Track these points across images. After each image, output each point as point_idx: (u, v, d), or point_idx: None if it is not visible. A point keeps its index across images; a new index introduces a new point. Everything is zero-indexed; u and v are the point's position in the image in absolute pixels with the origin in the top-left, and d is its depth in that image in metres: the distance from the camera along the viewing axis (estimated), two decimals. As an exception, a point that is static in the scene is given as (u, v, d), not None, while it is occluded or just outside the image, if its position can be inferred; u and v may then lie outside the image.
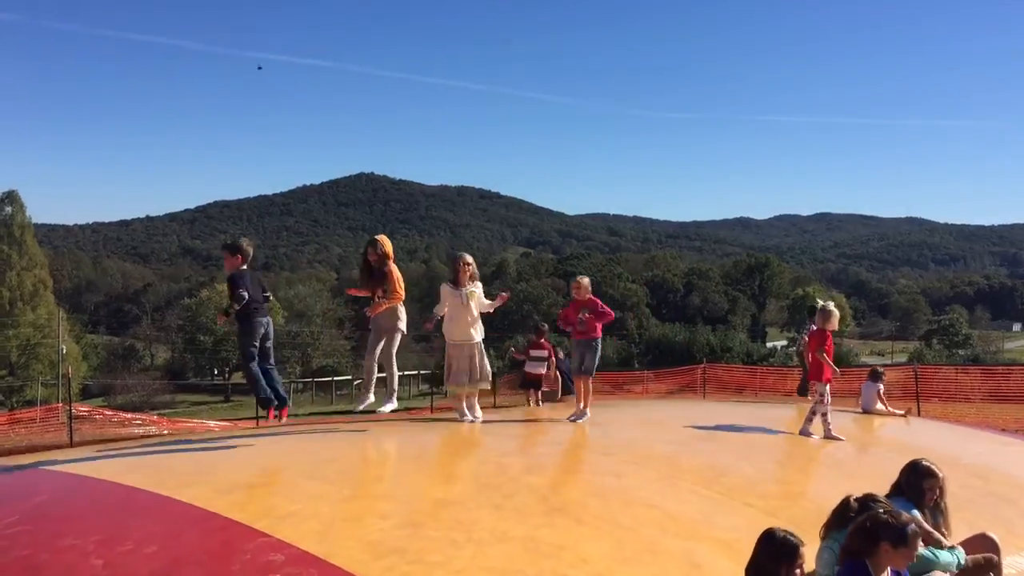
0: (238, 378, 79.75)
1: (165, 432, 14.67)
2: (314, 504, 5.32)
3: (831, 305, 10.66)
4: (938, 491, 5.60)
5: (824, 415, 10.15)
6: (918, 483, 5.56)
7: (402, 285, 8.44)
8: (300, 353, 77.75)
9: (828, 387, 10.22)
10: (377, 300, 8.40)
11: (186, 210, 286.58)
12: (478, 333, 8.85)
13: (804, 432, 10.09)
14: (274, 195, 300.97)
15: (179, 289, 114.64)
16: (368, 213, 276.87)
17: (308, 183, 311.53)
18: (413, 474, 6.49)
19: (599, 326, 9.89)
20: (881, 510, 4.55)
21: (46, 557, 4.38)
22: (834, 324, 10.39)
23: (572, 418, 9.63)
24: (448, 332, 8.82)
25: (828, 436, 10.03)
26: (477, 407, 9.15)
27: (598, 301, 9.99)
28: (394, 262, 8.44)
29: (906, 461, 6.69)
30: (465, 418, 8.90)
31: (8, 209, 66.91)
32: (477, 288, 8.80)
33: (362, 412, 9.00)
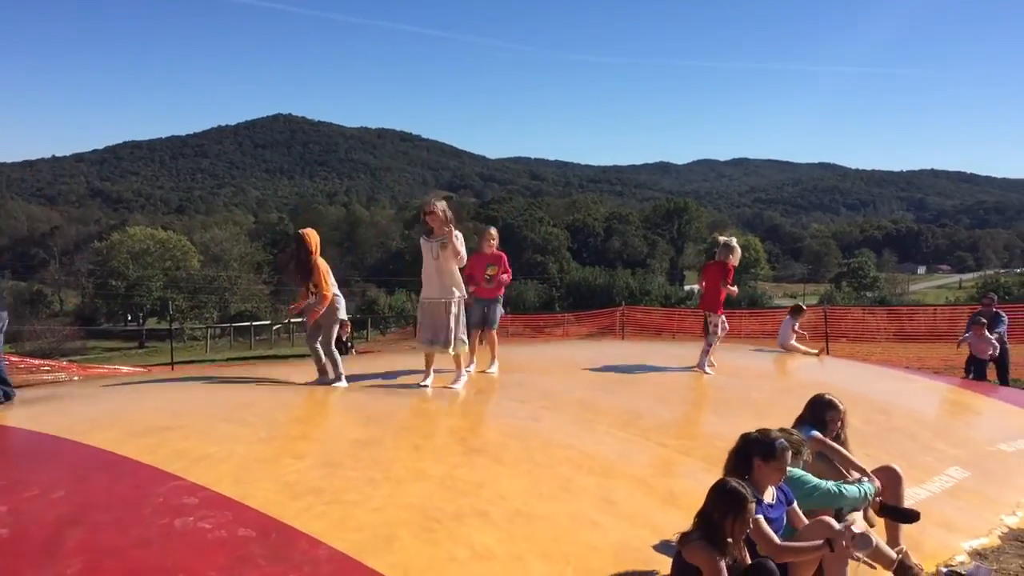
0: (153, 323, 78.03)
1: (76, 378, 14.27)
2: (229, 446, 5.24)
3: (734, 240, 10.88)
4: (839, 423, 5.79)
5: (709, 346, 10.48)
6: (820, 415, 5.73)
7: (329, 280, 7.85)
8: (217, 298, 76.36)
9: (723, 319, 10.52)
10: (306, 295, 7.92)
11: (94, 150, 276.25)
12: (446, 291, 7.79)
13: (700, 366, 10.37)
14: (187, 136, 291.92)
15: (88, 232, 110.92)
16: (286, 155, 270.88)
17: (223, 124, 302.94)
18: (331, 416, 6.45)
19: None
20: (755, 431, 4.72)
21: (-55, 505, 4.23)
22: (736, 259, 10.59)
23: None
24: (423, 288, 7.98)
25: (701, 367, 10.30)
26: (431, 374, 8.02)
27: (504, 258, 9.20)
28: (319, 255, 7.86)
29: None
30: (421, 384, 7.93)
31: (-99, 148, 63.51)
32: (454, 238, 7.73)
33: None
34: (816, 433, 5.60)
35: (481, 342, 9.29)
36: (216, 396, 6.99)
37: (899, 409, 9.47)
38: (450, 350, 7.82)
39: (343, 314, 8.17)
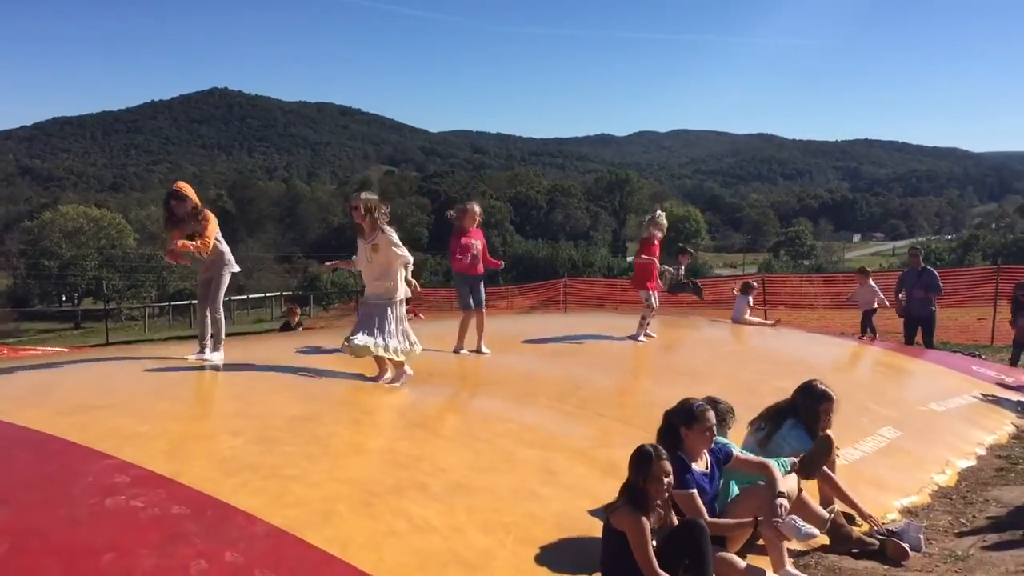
0: (88, 303, 76.26)
1: (4, 356, 13.87)
2: (163, 424, 5.14)
3: (658, 212, 10.95)
4: (830, 415, 5.66)
5: (644, 319, 10.61)
6: (814, 407, 5.63)
7: (213, 231, 7.34)
8: (155, 277, 74.84)
9: (654, 294, 10.62)
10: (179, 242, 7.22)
11: (23, 127, 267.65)
12: (385, 293, 6.99)
13: (634, 337, 10.48)
14: (119, 111, 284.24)
15: (19, 211, 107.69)
16: (223, 130, 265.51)
17: (157, 99, 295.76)
18: (269, 392, 6.34)
19: None
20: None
21: None
22: (659, 232, 10.64)
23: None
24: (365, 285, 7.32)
25: (635, 337, 10.44)
26: (384, 373, 7.13)
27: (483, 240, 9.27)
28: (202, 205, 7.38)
29: (756, 366, 7.00)
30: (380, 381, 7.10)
31: None
32: (386, 237, 6.93)
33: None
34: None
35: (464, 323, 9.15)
36: (151, 374, 6.83)
37: (835, 373, 9.66)
38: (390, 353, 6.91)
39: (234, 267, 7.70)
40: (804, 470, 5.29)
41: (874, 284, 13.80)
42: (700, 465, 4.72)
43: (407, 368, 7.11)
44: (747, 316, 13.65)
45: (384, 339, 6.85)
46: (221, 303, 7.61)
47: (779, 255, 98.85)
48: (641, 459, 4.16)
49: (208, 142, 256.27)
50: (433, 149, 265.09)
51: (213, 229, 7.35)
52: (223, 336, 7.54)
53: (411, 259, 7.17)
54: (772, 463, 4.91)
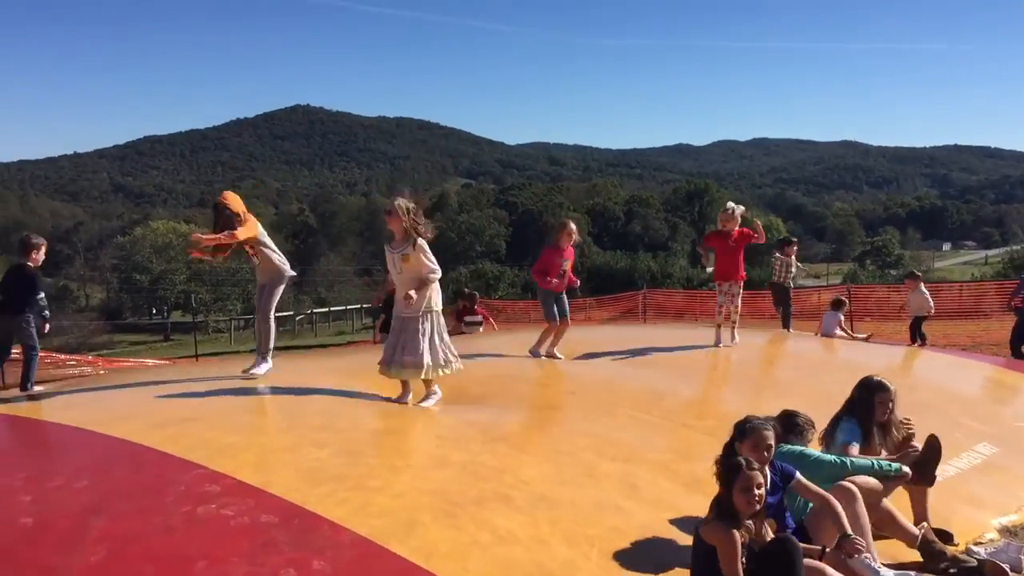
0: (177, 316, 78.61)
1: (102, 372, 14.39)
2: (251, 436, 5.27)
3: (729, 203, 10.68)
4: (890, 405, 5.67)
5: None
6: (869, 398, 5.59)
7: (248, 232, 7.30)
8: (240, 290, 76.75)
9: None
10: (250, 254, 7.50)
11: (115, 146, 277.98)
12: (415, 307, 6.58)
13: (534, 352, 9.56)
14: (206, 129, 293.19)
15: (112, 227, 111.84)
16: (305, 146, 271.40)
17: (242, 116, 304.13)
18: (353, 406, 6.44)
19: None
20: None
21: (-29, 496, 4.27)
22: (726, 223, 10.34)
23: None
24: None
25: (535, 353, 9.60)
26: (408, 394, 6.83)
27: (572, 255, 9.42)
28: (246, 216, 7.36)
29: (841, 377, 6.82)
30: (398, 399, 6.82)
31: (-74, 148, 64.19)
32: (417, 248, 6.55)
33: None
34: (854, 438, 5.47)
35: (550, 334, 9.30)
36: (237, 387, 6.99)
37: (927, 385, 9.37)
38: (422, 375, 6.60)
39: (288, 272, 7.64)
40: (920, 476, 5.16)
41: (925, 289, 13.35)
42: None
43: (436, 387, 6.77)
44: (837, 332, 13.30)
45: (418, 358, 6.52)
46: (271, 312, 7.54)
47: (865, 265, 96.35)
48: (730, 470, 4.10)
49: (291, 158, 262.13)
50: (510, 162, 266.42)
51: (249, 230, 7.32)
52: (271, 346, 7.53)
53: (439, 275, 6.72)
54: (832, 500, 4.71)
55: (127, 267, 79.25)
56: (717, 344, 10.31)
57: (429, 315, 6.63)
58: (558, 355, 9.33)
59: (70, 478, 4.44)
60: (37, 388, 7.56)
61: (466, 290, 19.97)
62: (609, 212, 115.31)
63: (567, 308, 9.37)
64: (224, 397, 6.64)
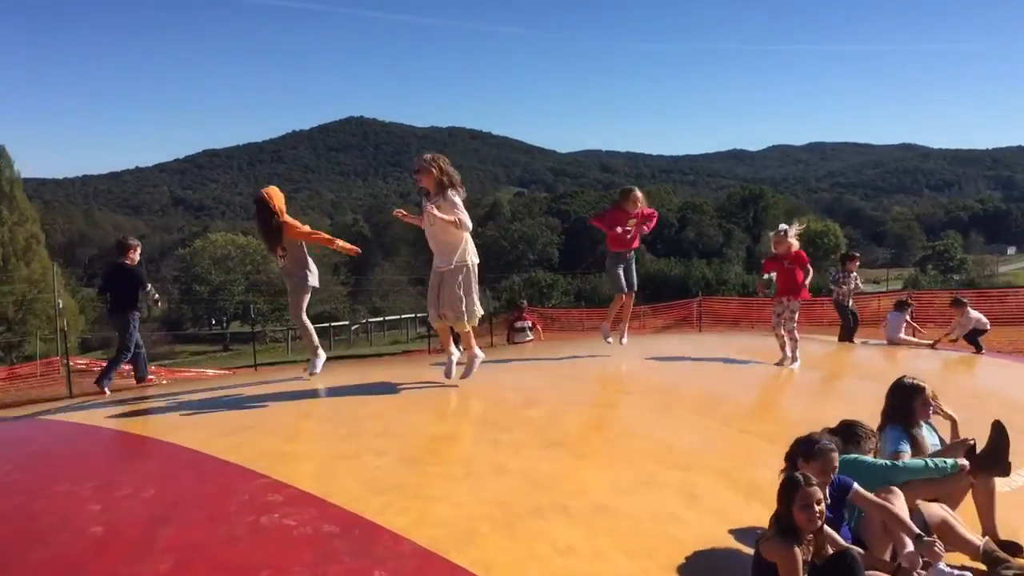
0: (236, 327, 79.99)
1: (164, 381, 14.69)
2: (310, 444, 5.33)
3: (781, 225, 10.46)
4: (933, 404, 5.55)
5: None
6: (906, 403, 5.48)
7: (304, 232, 7.50)
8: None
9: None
10: (280, 258, 7.54)
11: (175, 160, 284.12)
12: (448, 259, 6.88)
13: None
14: (263, 142, 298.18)
15: (172, 240, 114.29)
16: (359, 157, 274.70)
17: (297, 129, 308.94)
18: (410, 412, 6.47)
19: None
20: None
21: (42, 504, 4.38)
22: (778, 247, 10.10)
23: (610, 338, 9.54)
24: None
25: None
26: (454, 349, 7.34)
27: (645, 210, 9.37)
28: (284, 213, 7.45)
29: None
30: (450, 360, 7.26)
31: (-5, 164, 66.17)
32: (448, 199, 6.78)
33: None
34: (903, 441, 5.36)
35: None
36: (296, 395, 7.09)
37: (993, 394, 9.13)
38: (456, 323, 6.96)
39: (314, 280, 7.68)
40: (991, 466, 5.01)
41: (974, 313, 12.91)
42: None
43: (477, 350, 7.16)
44: (902, 335, 13.04)
45: (457, 311, 6.85)
46: (303, 315, 7.63)
47: (926, 270, 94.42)
48: (789, 487, 4.04)
49: (345, 168, 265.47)
50: (562, 170, 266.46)
51: (303, 231, 7.48)
52: (316, 342, 7.66)
53: (470, 226, 6.88)
54: (892, 506, 4.62)
55: (187, 278, 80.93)
56: (781, 362, 9.98)
57: (464, 268, 6.88)
58: (624, 340, 9.40)
59: (137, 487, 4.53)
60: (107, 391, 7.75)
61: (517, 301, 20.34)
62: (662, 219, 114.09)
63: (635, 279, 9.42)
64: (283, 405, 6.74)
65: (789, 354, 9.73)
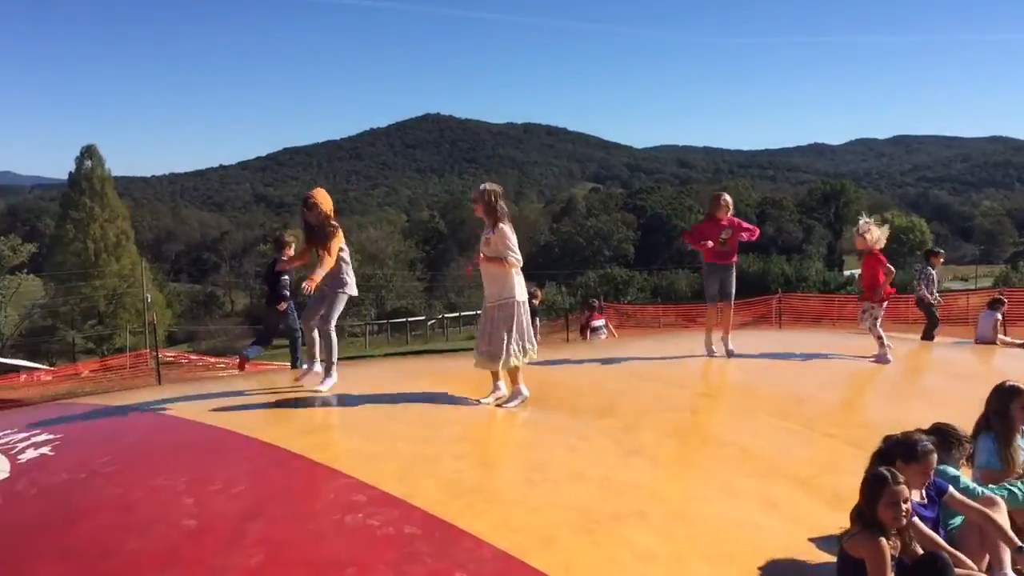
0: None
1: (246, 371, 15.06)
2: (392, 445, 5.43)
3: (861, 221, 10.19)
4: None
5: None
6: (1005, 407, 5.29)
7: (338, 247, 7.25)
8: (374, 295, 78.85)
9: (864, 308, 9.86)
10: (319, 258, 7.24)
11: (257, 158, 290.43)
12: (497, 294, 6.74)
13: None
14: (341, 140, 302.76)
15: (254, 236, 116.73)
16: (435, 154, 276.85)
17: (375, 126, 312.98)
18: (488, 416, 6.55)
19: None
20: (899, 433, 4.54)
21: (139, 496, 4.57)
22: (863, 242, 9.85)
23: (728, 352, 9.35)
24: None
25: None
26: (500, 386, 6.93)
27: (740, 223, 9.39)
28: (334, 217, 7.35)
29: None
30: (480, 400, 6.85)
31: (88, 163, 68.58)
32: (498, 231, 6.70)
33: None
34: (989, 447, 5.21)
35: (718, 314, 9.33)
36: (375, 395, 7.21)
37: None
38: (499, 364, 6.67)
39: (352, 290, 7.49)
40: None
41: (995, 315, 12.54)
42: (915, 495, 4.46)
43: (523, 388, 6.79)
44: (996, 335, 12.64)
45: (496, 348, 6.60)
46: (334, 323, 7.39)
47: (1018, 266, 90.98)
48: (875, 482, 3.98)
49: (422, 165, 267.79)
50: (638, 165, 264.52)
51: (338, 243, 7.29)
52: (335, 359, 7.32)
53: (520, 262, 6.72)
54: (993, 513, 4.50)
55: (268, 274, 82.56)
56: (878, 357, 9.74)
57: (511, 303, 6.65)
58: (731, 347, 9.25)
59: (228, 482, 4.69)
60: (306, 368, 7.80)
61: (590, 300, 20.49)
62: (740, 214, 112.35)
63: (731, 288, 9.25)
64: (365, 405, 6.85)
65: (880, 351, 9.57)
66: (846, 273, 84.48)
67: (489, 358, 6.67)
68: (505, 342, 6.59)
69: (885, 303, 9.84)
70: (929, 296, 13.32)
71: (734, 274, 9.38)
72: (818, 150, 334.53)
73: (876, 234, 9.70)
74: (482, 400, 6.77)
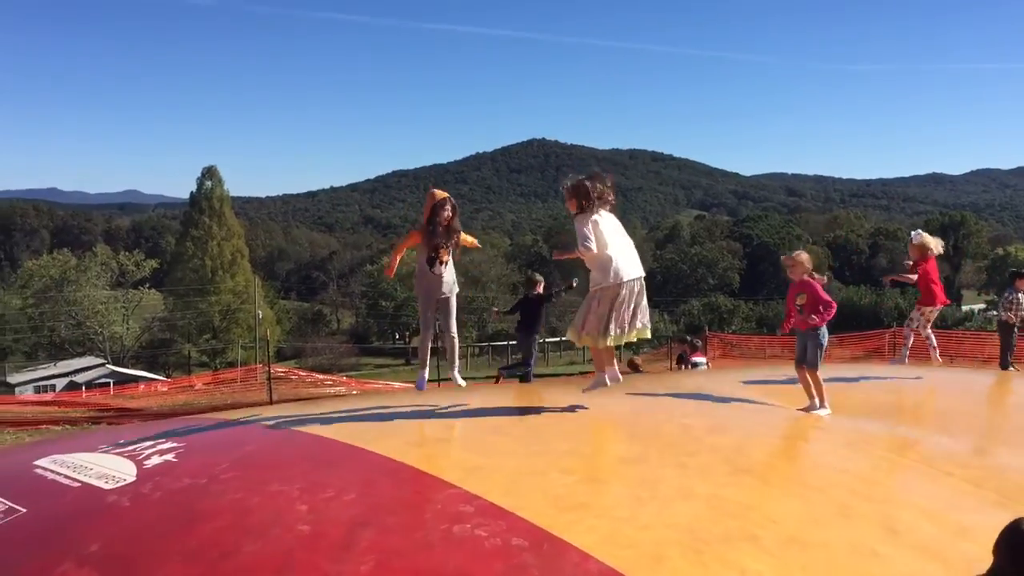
0: (417, 342, 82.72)
1: (355, 392, 15.42)
2: (500, 458, 5.46)
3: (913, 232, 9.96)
4: None
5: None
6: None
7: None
8: (476, 318, 79.64)
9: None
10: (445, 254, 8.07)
11: (366, 180, 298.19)
12: (591, 281, 7.03)
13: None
14: (448, 163, 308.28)
15: (361, 256, 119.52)
16: (540, 179, 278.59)
17: (481, 151, 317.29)
18: (596, 432, 6.54)
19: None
20: None
21: (256, 501, 4.70)
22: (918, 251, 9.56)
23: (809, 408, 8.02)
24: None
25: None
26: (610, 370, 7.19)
27: (816, 286, 7.95)
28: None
29: None
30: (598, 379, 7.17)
31: (208, 183, 71.61)
32: (577, 220, 7.14)
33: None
34: None
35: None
36: (485, 409, 7.28)
37: None
38: (578, 341, 7.01)
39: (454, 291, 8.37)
40: None
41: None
42: None
43: (606, 376, 7.01)
44: None
45: (575, 326, 6.92)
46: (453, 326, 8.32)
47: None
48: (1016, 542, 3.31)
49: (526, 190, 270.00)
50: (745, 193, 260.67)
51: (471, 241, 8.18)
52: (456, 359, 8.40)
53: (591, 250, 6.78)
54: None
55: (374, 294, 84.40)
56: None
57: (596, 289, 6.82)
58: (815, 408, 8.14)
59: (340, 490, 4.79)
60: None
61: (688, 338, 20.42)
62: (852, 245, 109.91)
63: (814, 357, 8.10)
64: (472, 419, 6.94)
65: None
66: (964, 308, 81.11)
67: (572, 330, 7.02)
68: (582, 322, 6.84)
69: (938, 307, 9.54)
70: (1013, 318, 12.78)
71: (818, 341, 8.14)
72: (936, 180, 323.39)
73: (930, 240, 9.57)
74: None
